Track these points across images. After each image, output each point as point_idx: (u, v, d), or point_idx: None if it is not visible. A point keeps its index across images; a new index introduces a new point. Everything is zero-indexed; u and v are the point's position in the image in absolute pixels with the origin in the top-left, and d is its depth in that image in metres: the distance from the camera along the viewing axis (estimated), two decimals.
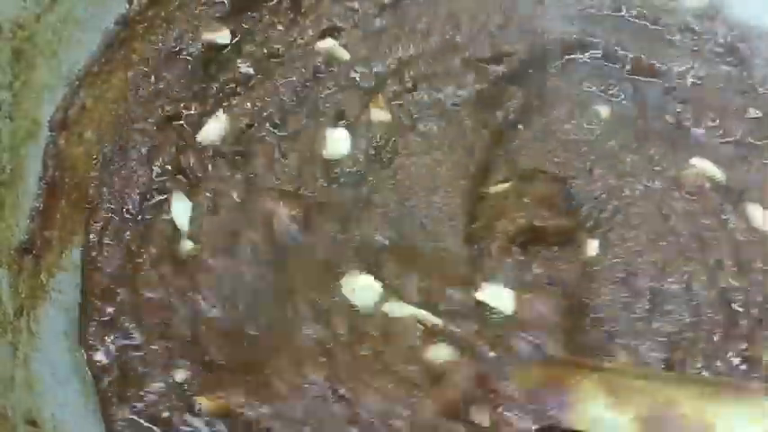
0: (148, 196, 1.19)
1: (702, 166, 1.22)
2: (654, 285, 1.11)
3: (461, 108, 1.26)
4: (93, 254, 1.15)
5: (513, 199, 1.15)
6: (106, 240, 1.15)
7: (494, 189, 1.20)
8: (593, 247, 1.15)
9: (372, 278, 1.09)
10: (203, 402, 1.02)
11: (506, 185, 1.19)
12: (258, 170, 1.21)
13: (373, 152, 1.23)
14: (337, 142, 1.23)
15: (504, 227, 1.12)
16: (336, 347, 1.04)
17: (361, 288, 1.09)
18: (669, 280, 1.11)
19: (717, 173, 1.21)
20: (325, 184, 1.20)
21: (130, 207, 1.18)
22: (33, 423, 0.96)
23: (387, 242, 1.14)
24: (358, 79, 1.30)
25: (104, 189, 1.18)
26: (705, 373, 1.03)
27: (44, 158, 1.14)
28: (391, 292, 1.08)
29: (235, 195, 1.18)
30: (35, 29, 1.12)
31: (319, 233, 1.15)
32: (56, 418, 1.00)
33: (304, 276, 1.11)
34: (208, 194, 1.18)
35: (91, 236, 1.15)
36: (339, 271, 1.11)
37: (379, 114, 1.25)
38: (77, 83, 1.20)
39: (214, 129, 1.24)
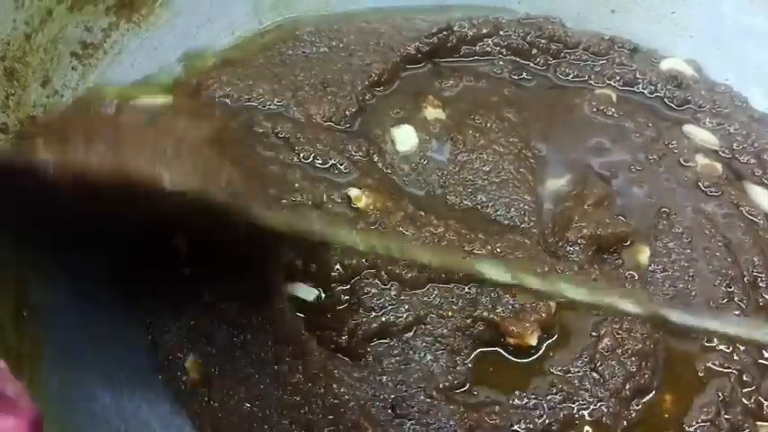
0: None
1: (696, 133, 1.28)
2: (704, 300, 1.10)
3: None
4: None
5: (574, 204, 1.16)
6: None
7: (551, 184, 1.20)
8: (645, 255, 1.15)
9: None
10: None
11: (562, 181, 1.21)
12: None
13: (437, 147, 1.22)
14: (405, 139, 1.23)
15: (575, 236, 1.12)
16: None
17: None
18: (719, 295, 1.11)
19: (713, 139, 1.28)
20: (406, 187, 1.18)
21: None
22: None
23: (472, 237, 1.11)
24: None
25: None
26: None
27: None
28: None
29: None
30: (26, 48, 1.11)
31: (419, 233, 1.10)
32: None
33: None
34: None
35: None
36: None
37: (433, 113, 1.28)
38: None
39: None
